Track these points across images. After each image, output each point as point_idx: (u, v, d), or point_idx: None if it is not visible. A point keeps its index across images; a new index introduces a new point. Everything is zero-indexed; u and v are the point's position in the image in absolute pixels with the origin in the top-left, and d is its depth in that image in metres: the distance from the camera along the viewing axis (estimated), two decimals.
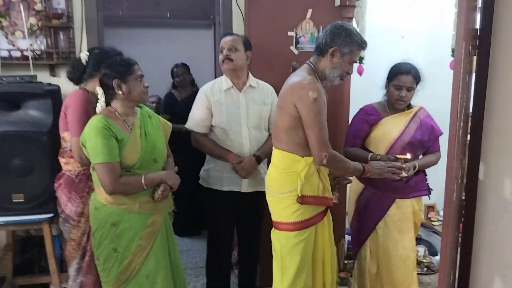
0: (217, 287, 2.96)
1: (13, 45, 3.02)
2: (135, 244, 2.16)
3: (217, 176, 2.73)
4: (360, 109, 2.71)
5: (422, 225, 3.61)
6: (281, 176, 2.22)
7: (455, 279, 1.87)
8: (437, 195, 2.72)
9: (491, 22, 1.66)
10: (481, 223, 1.78)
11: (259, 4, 3.00)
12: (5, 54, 2.99)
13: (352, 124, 2.72)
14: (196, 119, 2.74)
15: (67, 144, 2.43)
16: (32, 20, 3.01)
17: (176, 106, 4.23)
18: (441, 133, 2.62)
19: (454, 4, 2.70)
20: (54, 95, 2.77)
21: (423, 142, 2.58)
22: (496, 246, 1.67)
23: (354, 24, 3.04)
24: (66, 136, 2.42)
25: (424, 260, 3.50)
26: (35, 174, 2.66)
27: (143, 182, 2.12)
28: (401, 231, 2.57)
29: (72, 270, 2.51)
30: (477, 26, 1.71)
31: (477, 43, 1.70)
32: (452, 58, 2.66)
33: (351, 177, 2.48)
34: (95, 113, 2.22)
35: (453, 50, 2.68)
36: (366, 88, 2.97)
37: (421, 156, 2.64)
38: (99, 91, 2.18)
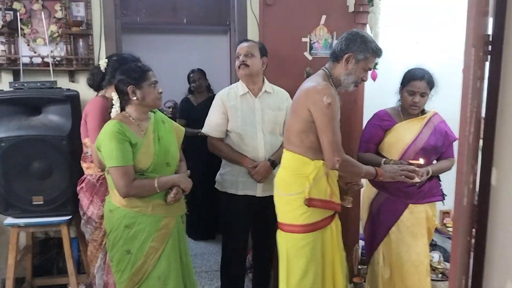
0: None
1: (34, 52, 3.11)
2: (148, 246, 2.19)
3: (232, 180, 2.76)
4: (374, 115, 2.72)
5: (437, 231, 3.60)
6: (290, 178, 2.25)
7: (468, 285, 1.87)
8: (452, 201, 2.70)
9: (504, 28, 1.66)
10: (494, 229, 1.77)
11: (274, 11, 3.04)
12: (26, 60, 3.08)
13: (366, 130, 2.73)
14: (212, 124, 2.78)
15: (88, 150, 2.50)
16: (53, 27, 3.10)
17: (192, 111, 4.28)
18: (455, 139, 2.61)
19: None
20: (73, 100, 2.84)
21: (437, 148, 2.57)
22: (509, 251, 1.66)
23: (368, 30, 3.05)
24: (87, 142, 2.49)
25: (439, 266, 3.47)
26: (54, 177, 2.74)
27: (156, 185, 2.16)
28: (414, 236, 2.57)
29: (96, 270, 2.57)
30: (489, 31, 1.72)
31: (489, 49, 1.71)
32: None
33: (363, 182, 2.49)
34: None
35: None
36: (379, 93, 2.99)
37: (435, 161, 2.64)
38: (114, 96, 2.24)
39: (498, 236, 1.74)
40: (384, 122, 2.64)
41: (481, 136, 1.80)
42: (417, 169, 2.34)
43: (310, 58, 3.13)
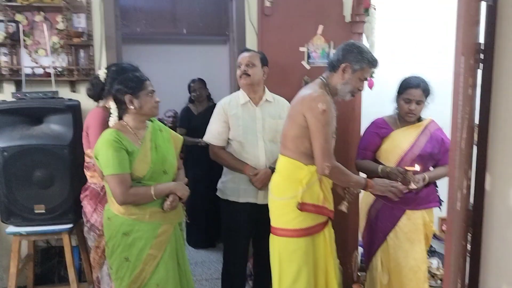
0: None
1: (36, 63, 3.16)
2: (146, 253, 2.21)
3: (234, 188, 2.79)
4: (371, 122, 2.76)
5: (436, 237, 3.61)
6: (284, 182, 2.28)
7: (464, 287, 1.90)
8: None
9: (494, 37, 1.71)
10: (488, 233, 1.81)
11: (272, 21, 3.09)
12: (28, 71, 3.13)
13: (364, 137, 2.77)
14: (214, 132, 2.81)
15: (91, 160, 2.54)
16: (55, 38, 3.15)
17: (192, 120, 4.32)
18: None
19: None
20: (74, 110, 2.89)
21: (433, 155, 2.61)
22: (504, 255, 1.69)
23: (364, 39, 3.10)
24: (90, 153, 2.53)
25: (437, 272, 3.49)
26: (56, 186, 2.77)
27: (152, 192, 2.18)
28: (412, 242, 2.59)
29: (101, 276, 2.61)
30: (480, 40, 1.77)
31: (481, 57, 1.76)
32: None
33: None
34: None
35: None
36: (377, 101, 3.02)
37: (431, 168, 2.67)
38: (112, 106, 2.27)
39: (493, 240, 1.77)
40: (381, 129, 2.68)
41: (475, 142, 1.84)
42: (411, 187, 2.38)
43: (307, 67, 3.17)
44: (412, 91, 2.56)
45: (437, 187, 2.70)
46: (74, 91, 3.23)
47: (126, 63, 2.62)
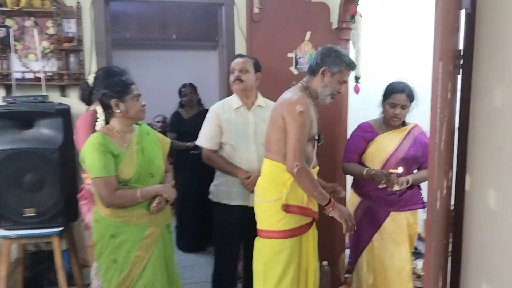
0: None
1: (26, 67, 3.19)
2: (133, 255, 2.24)
3: (226, 191, 2.82)
4: (357, 126, 2.82)
5: (421, 238, 3.68)
6: (269, 185, 2.32)
7: (446, 286, 1.95)
8: None
9: (473, 43, 1.78)
10: (469, 232, 1.87)
11: (260, 27, 3.14)
12: (18, 75, 3.15)
13: (350, 141, 2.83)
14: (207, 136, 2.84)
15: None
16: (45, 43, 3.18)
17: (183, 124, 4.34)
18: None
19: None
20: (65, 114, 2.92)
21: (417, 158, 2.67)
22: (483, 253, 1.75)
23: (350, 45, 3.17)
24: None
25: (423, 273, 3.55)
26: (46, 190, 2.79)
27: (138, 195, 2.21)
28: (396, 243, 2.65)
29: (91, 277, 2.65)
30: (461, 46, 1.84)
31: (461, 63, 1.82)
32: None
33: (345, 191, 2.56)
34: None
35: None
36: (363, 106, 3.09)
37: (416, 171, 2.74)
38: (99, 110, 2.30)
39: (474, 239, 1.83)
40: (367, 133, 2.74)
41: (455, 144, 1.91)
42: (394, 189, 2.45)
43: (295, 72, 3.23)
44: (397, 96, 2.63)
45: (421, 189, 2.76)
46: (64, 96, 3.26)
47: (114, 66, 2.66)
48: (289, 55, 3.22)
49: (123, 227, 2.24)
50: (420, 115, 2.75)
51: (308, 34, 3.21)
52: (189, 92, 4.42)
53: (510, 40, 1.50)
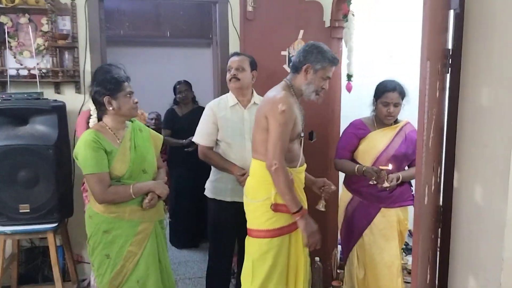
0: None
1: (21, 64, 3.20)
2: (126, 250, 2.27)
3: (221, 187, 2.85)
4: (350, 124, 2.86)
5: (412, 235, 3.73)
6: (257, 185, 2.34)
7: (435, 279, 2.00)
8: None
9: (461, 43, 1.82)
10: (457, 227, 1.92)
11: (254, 25, 3.16)
12: (13, 72, 3.16)
13: (342, 138, 2.87)
14: (203, 133, 2.87)
15: None
16: (39, 40, 3.19)
17: (177, 121, 4.35)
18: None
19: None
20: (60, 111, 2.93)
21: (408, 155, 2.72)
22: (470, 247, 1.79)
23: (343, 44, 3.21)
24: None
25: None
26: (41, 186, 2.81)
27: (131, 191, 2.24)
28: (386, 239, 2.70)
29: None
30: (449, 46, 1.88)
31: (450, 62, 1.87)
32: None
33: (334, 186, 2.57)
34: None
35: None
36: (355, 103, 3.13)
37: (406, 168, 2.78)
38: (92, 107, 2.33)
39: (461, 234, 1.88)
40: (359, 130, 2.78)
41: (444, 142, 1.95)
42: (385, 185, 2.49)
43: (289, 70, 3.24)
44: (389, 94, 2.67)
45: (412, 186, 2.80)
46: (58, 93, 3.27)
47: (111, 64, 2.66)
48: (283, 53, 3.24)
49: (116, 222, 2.27)
50: (412, 113, 2.80)
51: (301, 32, 3.24)
52: (184, 89, 4.43)
53: (497, 40, 1.55)
